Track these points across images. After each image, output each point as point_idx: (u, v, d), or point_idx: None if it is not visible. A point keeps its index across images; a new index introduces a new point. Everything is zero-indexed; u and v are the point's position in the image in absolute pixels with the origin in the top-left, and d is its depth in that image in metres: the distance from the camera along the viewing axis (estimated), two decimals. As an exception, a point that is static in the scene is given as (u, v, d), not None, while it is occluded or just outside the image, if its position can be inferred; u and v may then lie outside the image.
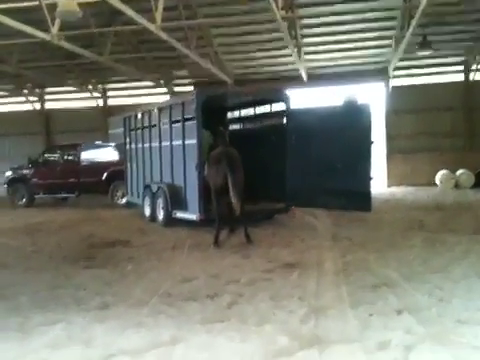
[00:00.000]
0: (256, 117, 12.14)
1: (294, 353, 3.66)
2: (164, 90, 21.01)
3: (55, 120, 22.59)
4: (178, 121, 10.13)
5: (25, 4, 12.51)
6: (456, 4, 13.78)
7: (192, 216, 9.54)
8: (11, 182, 16.01)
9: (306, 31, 16.42)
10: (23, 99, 22.58)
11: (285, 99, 10.46)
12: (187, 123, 9.80)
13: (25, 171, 15.88)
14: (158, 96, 20.67)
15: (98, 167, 14.91)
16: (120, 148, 14.26)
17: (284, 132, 10.24)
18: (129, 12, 10.62)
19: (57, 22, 11.62)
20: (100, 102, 22.21)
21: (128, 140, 13.07)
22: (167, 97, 19.75)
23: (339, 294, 5.07)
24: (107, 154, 15.14)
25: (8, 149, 22.92)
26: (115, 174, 14.44)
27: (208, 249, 7.80)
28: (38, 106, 22.90)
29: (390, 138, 19.17)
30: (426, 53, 16.27)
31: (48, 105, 23.09)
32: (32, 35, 11.63)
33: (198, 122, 9.35)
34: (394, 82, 18.98)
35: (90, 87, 21.22)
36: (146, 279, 5.99)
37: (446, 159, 18.17)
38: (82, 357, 3.80)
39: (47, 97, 22.96)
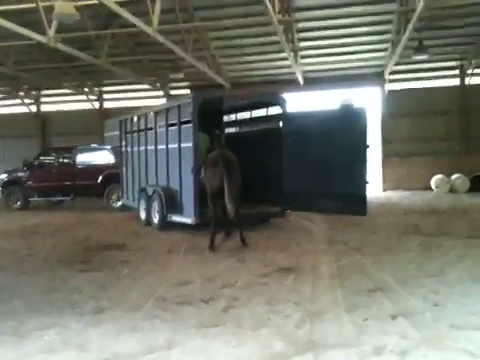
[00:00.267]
0: (252, 121, 12.16)
1: (290, 358, 3.65)
2: (160, 93, 21.02)
3: (51, 122, 22.56)
4: (174, 124, 10.12)
5: (22, 6, 12.50)
6: (452, 8, 13.85)
7: (188, 220, 9.53)
8: (6, 185, 15.94)
9: (302, 35, 16.49)
10: (19, 101, 22.54)
11: (281, 103, 10.48)
12: (183, 126, 9.79)
13: (20, 174, 15.81)
14: (154, 99, 20.69)
15: (94, 170, 14.87)
16: (116, 151, 14.23)
17: (280, 136, 10.25)
18: (126, 15, 10.64)
19: (54, 24, 11.62)
20: (96, 105, 22.21)
21: (124, 143, 13.05)
22: (163, 100, 19.76)
23: (334, 298, 5.07)
24: (103, 157, 15.11)
25: (3, 151, 22.88)
26: (111, 177, 14.42)
27: (204, 253, 7.78)
28: (34, 108, 22.87)
29: (386, 142, 19.23)
30: (422, 57, 16.36)
31: (44, 107, 23.07)
32: (29, 37, 11.62)
33: (194, 125, 9.35)
34: (390, 86, 19.06)
35: (86, 90, 21.21)
36: (141, 283, 5.98)
37: (441, 163, 18.26)
38: (77, 361, 3.79)
39: (43, 99, 22.94)
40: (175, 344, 3.97)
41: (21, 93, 21.95)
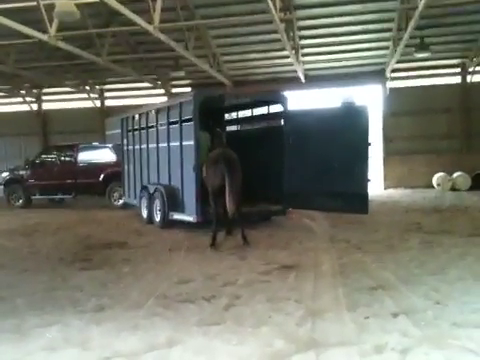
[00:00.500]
0: (253, 119, 12.15)
1: (291, 356, 3.65)
2: (162, 91, 21.02)
3: (52, 121, 22.57)
4: (175, 122, 10.12)
5: (23, 4, 12.49)
6: (454, 6, 13.82)
7: (189, 218, 9.54)
8: (8, 183, 15.97)
9: (304, 33, 16.47)
10: (20, 99, 22.55)
11: (282, 101, 10.47)
12: (185, 124, 9.79)
13: (22, 172, 15.84)
14: (156, 97, 20.68)
15: (95, 168, 14.88)
16: (117, 149, 14.24)
17: (281, 134, 10.24)
18: (127, 13, 10.63)
19: (55, 23, 11.62)
20: (97, 103, 22.21)
21: (125, 141, 13.05)
22: (165, 98, 19.75)
23: (336, 296, 5.07)
24: (104, 155, 15.11)
25: (5, 150, 22.92)
26: (112, 175, 14.44)
27: (205, 251, 7.79)
28: (35, 107, 22.88)
29: (387, 140, 19.21)
30: (423, 55, 16.34)
31: (45, 106, 23.08)
32: (30, 35, 11.62)
33: (195, 123, 9.34)
34: (392, 84, 19.03)
35: (88, 88, 21.22)
36: (143, 281, 5.98)
37: (443, 161, 18.23)
38: (78, 359, 3.80)
39: (44, 98, 22.95)
40: (176, 342, 3.97)
41: (22, 91, 21.96)
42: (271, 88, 18.05)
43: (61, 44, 12.66)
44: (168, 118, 10.45)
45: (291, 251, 7.55)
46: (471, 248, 7.30)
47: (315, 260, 6.87)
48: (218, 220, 8.36)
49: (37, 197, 15.71)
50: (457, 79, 18.84)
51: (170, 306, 4.92)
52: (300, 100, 17.33)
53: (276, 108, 10.90)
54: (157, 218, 10.56)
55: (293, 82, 18.91)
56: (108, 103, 22.41)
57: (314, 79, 19.22)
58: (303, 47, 17.27)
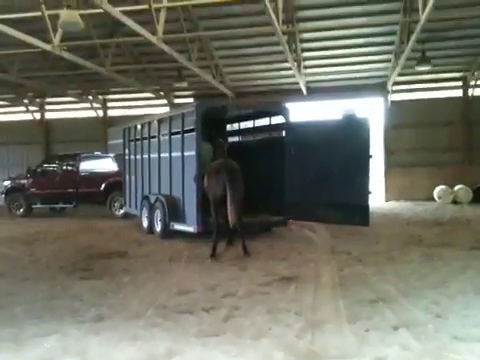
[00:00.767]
0: (255, 130, 12.18)
1: (290, 368, 3.64)
2: (164, 102, 21.12)
3: (55, 130, 22.67)
4: (178, 133, 10.16)
5: (28, 15, 12.61)
6: (455, 20, 13.91)
7: (190, 228, 9.53)
8: (9, 192, 16.00)
9: (306, 45, 16.59)
10: (23, 109, 22.66)
11: (284, 112, 10.50)
12: (186, 135, 9.82)
13: (23, 181, 15.88)
14: (158, 108, 20.77)
15: (97, 178, 14.92)
16: (119, 159, 14.28)
17: (283, 145, 10.26)
18: (130, 24, 10.72)
19: (59, 33, 11.72)
20: (100, 113, 22.29)
21: (127, 151, 13.09)
22: (167, 109, 19.84)
23: (336, 308, 5.05)
24: (106, 165, 15.15)
25: (8, 158, 22.99)
26: (113, 185, 14.46)
27: (205, 261, 7.77)
28: (38, 116, 22.98)
29: (389, 152, 19.23)
30: (425, 68, 16.42)
31: (48, 115, 23.19)
32: (34, 45, 11.71)
33: (198, 134, 9.38)
34: (393, 97, 19.10)
35: (90, 98, 21.32)
36: (142, 291, 5.96)
37: (444, 174, 18.22)
38: (76, 369, 3.79)
39: (47, 107, 23.06)
40: (175, 353, 3.95)
41: (26, 100, 22.08)
42: (273, 99, 18.12)
43: (65, 54, 12.75)
44: (170, 128, 10.49)
45: (291, 262, 7.52)
46: (472, 261, 7.27)
47: (315, 272, 6.85)
48: (219, 230, 8.34)
49: (38, 206, 15.72)
50: (458, 92, 18.91)
51: (169, 317, 4.90)
52: (302, 112, 17.38)
53: (278, 119, 10.93)
54: (158, 228, 10.56)
55: (295, 94, 18.99)
56: (110, 113, 22.50)
57: (316, 91, 19.30)
58: (305, 59, 17.37)
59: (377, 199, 17.24)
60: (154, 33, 11.60)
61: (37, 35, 11.71)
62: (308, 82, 19.00)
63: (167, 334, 4.39)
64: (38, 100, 22.43)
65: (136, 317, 4.88)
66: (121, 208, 14.32)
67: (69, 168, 15.48)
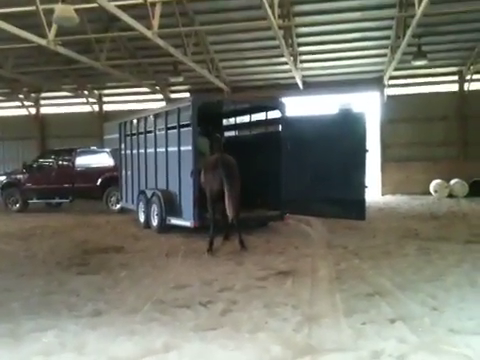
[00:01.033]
0: (251, 124, 12.17)
1: (287, 361, 3.65)
2: (160, 96, 21.06)
3: (50, 125, 22.59)
4: (174, 127, 10.14)
5: (22, 9, 12.53)
6: (451, 14, 13.90)
7: (186, 223, 9.53)
8: (5, 187, 15.94)
9: (302, 39, 16.55)
10: (19, 104, 22.56)
11: (280, 107, 10.49)
12: (182, 129, 9.81)
13: (19, 176, 15.82)
14: (154, 102, 20.72)
15: (93, 172, 14.87)
16: (115, 154, 14.24)
17: (279, 140, 10.26)
18: (126, 18, 10.66)
19: (54, 27, 11.64)
20: (96, 107, 22.22)
21: (123, 146, 13.06)
22: (163, 103, 19.78)
23: (333, 302, 5.07)
24: (102, 159, 15.10)
25: (3, 154, 22.95)
26: (109, 180, 14.42)
27: (202, 256, 7.78)
28: (34, 111, 22.88)
29: (385, 147, 19.27)
30: (421, 63, 16.43)
31: (43, 110, 23.09)
32: (29, 40, 11.63)
33: (194, 128, 9.36)
34: (389, 91, 19.11)
35: (86, 92, 21.24)
36: (139, 286, 5.97)
37: (440, 168, 18.28)
38: (74, 364, 3.79)
39: (43, 102, 22.95)
40: (173, 347, 3.96)
41: (21, 95, 21.97)
42: (269, 94, 18.09)
43: (60, 49, 12.68)
44: (166, 123, 10.46)
45: (288, 257, 7.54)
46: (468, 255, 7.31)
47: (312, 266, 6.87)
48: (215, 225, 8.35)
49: (34, 201, 15.67)
50: (454, 87, 18.92)
51: (167, 311, 4.90)
52: (298, 106, 17.38)
53: (274, 114, 10.92)
54: (154, 223, 10.55)
55: (291, 88, 18.96)
56: (106, 108, 22.43)
57: (312, 85, 19.28)
58: (301, 54, 17.34)
59: (373, 193, 17.27)
60: (149, 27, 11.55)
61: (32, 30, 11.63)
62: (304, 76, 18.98)
63: (164, 328, 4.40)
64: (33, 95, 22.32)
65: (133, 312, 4.88)
66: (117, 203, 14.30)
67: (65, 163, 15.42)
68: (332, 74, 19.03)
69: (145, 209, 11.00)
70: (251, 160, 10.27)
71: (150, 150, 11.23)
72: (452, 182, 17.68)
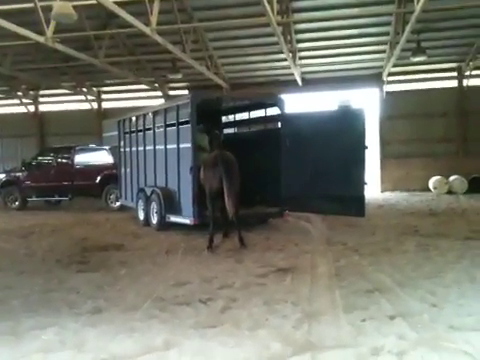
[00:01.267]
0: (250, 121, 12.16)
1: (287, 358, 3.65)
2: (159, 93, 21.03)
3: (49, 122, 22.56)
4: (173, 124, 10.12)
5: (20, 6, 12.49)
6: (450, 10, 13.88)
7: (186, 220, 9.53)
8: (4, 185, 15.92)
9: (301, 36, 16.52)
10: (17, 101, 22.51)
11: (279, 103, 10.49)
12: (181, 127, 9.79)
13: (18, 174, 15.80)
14: (153, 99, 20.69)
15: (92, 170, 14.86)
16: (114, 151, 14.22)
17: (278, 136, 10.26)
18: (124, 15, 10.63)
19: (52, 24, 11.61)
20: (94, 105, 22.19)
21: (122, 143, 13.04)
22: (162, 100, 19.76)
23: (332, 299, 5.07)
24: (101, 157, 15.10)
25: (1, 151, 22.95)
26: (109, 177, 14.43)
27: (202, 253, 7.78)
28: (32, 108, 22.84)
29: (384, 143, 19.26)
30: (420, 59, 16.41)
31: (42, 107, 23.05)
32: (27, 37, 11.60)
33: (193, 125, 9.35)
34: (388, 87, 19.09)
35: (85, 90, 21.20)
36: (139, 283, 5.97)
37: (440, 165, 18.29)
38: (74, 362, 3.79)
39: (41, 99, 22.92)
40: (173, 345, 3.96)
41: (19, 93, 21.93)
42: (268, 91, 18.08)
43: (58, 46, 12.65)
44: (165, 120, 10.45)
45: (288, 254, 7.55)
46: (467, 251, 7.32)
47: (312, 263, 6.87)
48: (215, 222, 8.35)
49: (33, 199, 15.65)
50: (453, 83, 18.92)
51: (167, 309, 4.91)
52: (297, 103, 17.36)
53: (273, 111, 10.91)
54: (154, 220, 10.55)
55: (290, 85, 18.95)
56: (105, 105, 22.39)
57: (311, 82, 19.27)
58: (300, 50, 17.32)
59: (373, 190, 17.29)
60: (148, 24, 11.52)
61: (30, 27, 11.60)
62: (303, 73, 18.96)
63: (164, 326, 4.40)
64: (32, 92, 22.29)
65: (133, 309, 4.88)
66: (117, 200, 14.30)
67: (64, 161, 15.39)
68: (331, 70, 19.00)
69: (144, 207, 11.00)
70: (250, 157, 10.26)
71: (149, 147, 11.22)
72: (451, 178, 17.69)
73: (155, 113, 11.03)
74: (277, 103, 10.56)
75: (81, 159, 15.11)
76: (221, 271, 6.50)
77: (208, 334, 4.16)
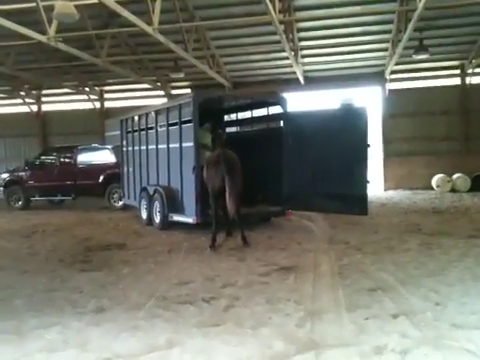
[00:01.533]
0: (253, 120, 12.15)
1: (290, 357, 3.65)
2: (161, 93, 21.03)
3: (52, 122, 22.60)
4: (175, 124, 10.13)
5: (22, 6, 12.50)
6: (452, 8, 13.84)
7: (189, 219, 9.53)
8: (7, 184, 15.96)
9: (303, 34, 16.51)
10: (20, 101, 22.56)
11: (282, 102, 10.48)
12: (184, 126, 9.80)
13: (21, 173, 15.84)
14: (155, 99, 20.70)
15: (95, 170, 14.88)
16: (117, 150, 14.24)
17: (281, 135, 10.24)
18: (126, 14, 10.64)
19: (54, 24, 11.63)
20: (97, 104, 22.22)
21: (125, 142, 13.05)
22: (164, 100, 19.76)
23: (335, 298, 5.07)
24: (104, 156, 15.11)
25: (5, 151, 22.98)
26: (112, 177, 14.44)
27: (205, 252, 7.79)
28: (35, 108, 22.88)
29: (387, 141, 19.23)
30: (422, 57, 16.38)
31: (45, 107, 23.09)
32: (29, 37, 11.63)
33: (195, 124, 9.35)
34: (391, 85, 19.06)
35: (87, 89, 21.22)
36: (142, 282, 5.98)
37: (442, 163, 18.25)
38: (78, 361, 3.80)
39: (44, 99, 22.96)
40: (176, 343, 3.97)
41: (22, 93, 21.98)
42: (270, 89, 18.07)
43: (60, 45, 12.67)
44: (167, 119, 10.45)
45: (290, 252, 7.54)
46: (470, 249, 7.30)
47: (314, 261, 6.87)
48: (218, 221, 8.36)
49: (37, 199, 15.69)
50: (456, 81, 18.87)
51: (170, 307, 4.91)
52: (299, 101, 17.35)
53: (275, 109, 10.91)
54: (157, 219, 10.56)
55: (292, 83, 18.94)
56: (107, 104, 22.42)
57: (313, 80, 19.25)
58: (302, 48, 17.30)
59: (375, 188, 17.27)
60: (150, 23, 11.52)
61: (32, 26, 11.62)
62: (305, 71, 18.94)
63: (167, 325, 4.41)
64: (34, 92, 22.32)
65: (136, 308, 4.89)
66: (120, 200, 14.31)
67: (67, 160, 15.41)
68: (333, 69, 18.98)
69: (147, 206, 11.01)
70: (253, 156, 10.26)
71: (152, 147, 11.22)
72: (454, 177, 17.64)
73: (157, 112, 11.03)
74: (279, 102, 10.56)
75: (84, 158, 15.13)
76: (224, 270, 6.51)
77: (211, 333, 4.17)
